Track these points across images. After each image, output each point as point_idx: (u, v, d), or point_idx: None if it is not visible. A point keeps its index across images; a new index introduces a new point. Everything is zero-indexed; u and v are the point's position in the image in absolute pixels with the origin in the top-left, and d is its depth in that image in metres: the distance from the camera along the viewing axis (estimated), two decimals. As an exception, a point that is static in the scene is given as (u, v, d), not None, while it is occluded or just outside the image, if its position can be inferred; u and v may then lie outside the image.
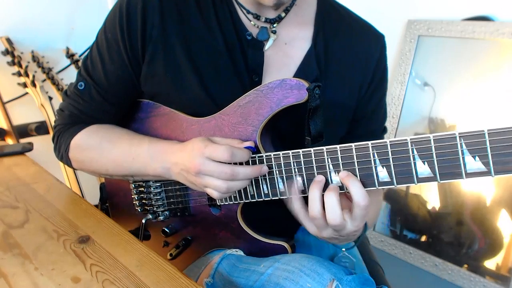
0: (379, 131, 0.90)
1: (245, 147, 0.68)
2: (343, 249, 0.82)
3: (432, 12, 1.59)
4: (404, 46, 1.64)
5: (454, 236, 1.53)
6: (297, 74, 0.78)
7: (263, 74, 0.77)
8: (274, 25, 0.78)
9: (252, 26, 0.78)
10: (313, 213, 0.63)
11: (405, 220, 1.66)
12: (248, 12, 0.77)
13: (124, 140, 0.79)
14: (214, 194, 0.67)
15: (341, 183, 0.63)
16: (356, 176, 0.62)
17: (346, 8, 0.86)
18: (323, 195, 0.63)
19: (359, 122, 0.85)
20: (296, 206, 0.67)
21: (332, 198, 0.61)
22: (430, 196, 1.60)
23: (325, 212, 0.63)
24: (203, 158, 0.65)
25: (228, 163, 0.65)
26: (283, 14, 0.78)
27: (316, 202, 0.63)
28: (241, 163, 0.68)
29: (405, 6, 1.65)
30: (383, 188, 0.63)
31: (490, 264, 1.45)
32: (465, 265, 1.50)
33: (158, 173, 0.75)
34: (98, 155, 0.81)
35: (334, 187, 0.63)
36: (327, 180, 0.64)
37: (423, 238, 1.62)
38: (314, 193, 0.63)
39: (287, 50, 0.79)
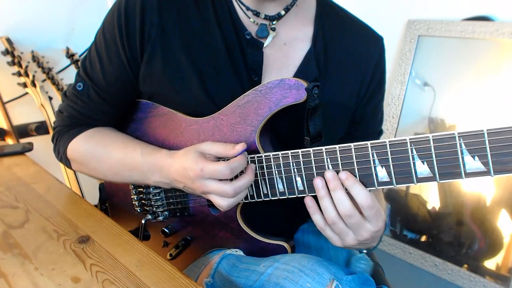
0: (376, 133, 0.90)
1: (240, 153, 0.68)
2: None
3: (432, 12, 1.59)
4: (404, 46, 1.64)
5: (454, 236, 1.53)
6: (297, 75, 0.78)
7: (263, 74, 0.77)
8: (274, 22, 0.78)
9: (251, 25, 0.78)
10: (330, 219, 0.64)
11: (405, 220, 1.66)
12: (248, 8, 0.77)
13: (119, 149, 0.79)
14: (220, 208, 0.69)
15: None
16: (356, 176, 0.62)
17: (346, 10, 0.86)
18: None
19: (358, 124, 0.85)
20: (320, 223, 0.68)
21: (338, 193, 0.63)
22: (430, 196, 1.60)
23: (339, 214, 0.63)
24: (203, 180, 0.66)
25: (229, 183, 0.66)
26: (282, 12, 0.78)
27: (329, 208, 0.64)
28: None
29: (405, 6, 1.65)
30: (382, 188, 0.63)
31: (490, 264, 1.45)
32: (465, 265, 1.50)
33: (159, 185, 0.77)
34: (95, 163, 0.81)
35: (333, 179, 0.63)
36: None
37: (423, 238, 1.62)
38: (324, 202, 0.64)
39: (287, 50, 0.79)
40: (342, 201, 0.62)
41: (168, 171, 0.72)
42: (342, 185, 0.63)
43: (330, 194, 0.64)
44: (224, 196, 0.66)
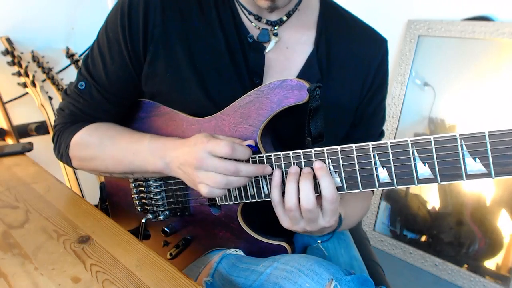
0: (377, 134, 0.90)
1: (246, 145, 0.68)
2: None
3: (432, 12, 1.59)
4: (404, 46, 1.64)
5: (454, 236, 1.53)
6: (299, 77, 0.78)
7: (264, 77, 0.77)
8: (276, 27, 0.78)
9: (253, 28, 0.78)
10: (289, 204, 0.65)
11: (405, 220, 1.67)
12: (250, 13, 0.77)
13: (125, 137, 0.79)
14: (203, 190, 0.66)
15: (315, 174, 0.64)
16: (356, 176, 0.62)
17: (349, 12, 0.86)
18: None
19: (359, 125, 0.85)
20: (275, 198, 0.68)
21: (306, 184, 0.63)
22: (430, 196, 1.61)
23: (300, 203, 0.64)
24: (205, 152, 0.65)
25: (231, 160, 0.65)
26: (284, 18, 0.78)
27: (293, 194, 0.64)
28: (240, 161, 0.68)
29: (405, 6, 1.65)
30: (383, 189, 0.63)
31: (490, 264, 1.46)
32: (465, 265, 1.50)
33: (158, 169, 0.74)
34: (99, 152, 0.80)
35: (307, 172, 0.64)
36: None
37: (423, 238, 1.62)
38: (290, 186, 0.64)
39: (289, 54, 0.79)
40: (308, 193, 0.63)
41: (171, 150, 0.71)
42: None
43: (298, 182, 0.64)
44: (223, 173, 0.64)
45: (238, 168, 0.64)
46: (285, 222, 0.68)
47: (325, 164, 0.64)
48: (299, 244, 0.87)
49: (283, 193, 0.67)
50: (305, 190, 0.63)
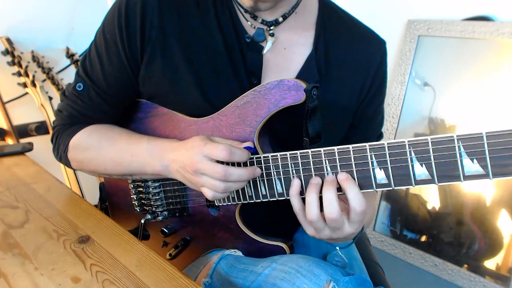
0: (375, 137, 0.90)
1: (244, 147, 0.68)
2: (337, 248, 0.82)
3: (432, 12, 1.59)
4: (404, 46, 1.64)
5: (454, 236, 1.53)
6: (297, 78, 0.78)
7: (262, 77, 0.77)
8: (271, 28, 0.78)
9: (250, 28, 0.78)
10: (310, 216, 0.63)
11: (405, 220, 1.67)
12: (246, 11, 0.77)
13: (123, 139, 0.79)
14: (208, 194, 0.67)
15: (339, 184, 0.63)
16: (354, 177, 0.62)
17: (348, 13, 0.86)
18: (320, 197, 0.63)
19: (357, 128, 0.85)
20: (296, 206, 0.67)
21: (330, 193, 0.61)
22: (430, 196, 1.61)
23: (323, 213, 0.63)
24: (201, 156, 0.65)
25: (224, 163, 0.65)
26: (280, 19, 0.78)
27: (314, 205, 0.63)
28: (238, 164, 0.68)
29: (405, 6, 1.65)
30: (381, 190, 0.63)
31: (490, 264, 1.46)
32: (465, 265, 1.50)
33: (157, 171, 0.75)
34: (97, 154, 0.81)
35: (331, 181, 0.62)
36: (323, 181, 0.64)
37: (423, 238, 1.62)
38: (311, 197, 0.63)
39: (287, 55, 0.79)
40: (331, 203, 0.61)
41: (169, 152, 0.71)
42: (338, 191, 0.62)
43: (319, 192, 0.63)
44: (214, 177, 0.65)
45: (229, 172, 0.64)
46: (309, 231, 0.67)
47: (325, 164, 0.64)
48: (300, 245, 0.88)
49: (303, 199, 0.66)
50: (329, 199, 0.61)
